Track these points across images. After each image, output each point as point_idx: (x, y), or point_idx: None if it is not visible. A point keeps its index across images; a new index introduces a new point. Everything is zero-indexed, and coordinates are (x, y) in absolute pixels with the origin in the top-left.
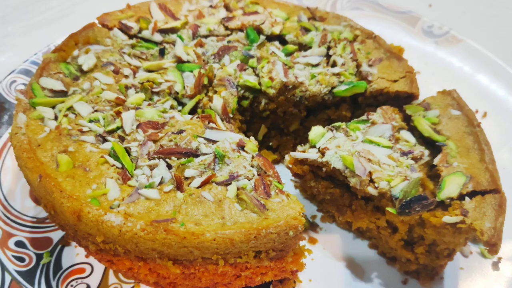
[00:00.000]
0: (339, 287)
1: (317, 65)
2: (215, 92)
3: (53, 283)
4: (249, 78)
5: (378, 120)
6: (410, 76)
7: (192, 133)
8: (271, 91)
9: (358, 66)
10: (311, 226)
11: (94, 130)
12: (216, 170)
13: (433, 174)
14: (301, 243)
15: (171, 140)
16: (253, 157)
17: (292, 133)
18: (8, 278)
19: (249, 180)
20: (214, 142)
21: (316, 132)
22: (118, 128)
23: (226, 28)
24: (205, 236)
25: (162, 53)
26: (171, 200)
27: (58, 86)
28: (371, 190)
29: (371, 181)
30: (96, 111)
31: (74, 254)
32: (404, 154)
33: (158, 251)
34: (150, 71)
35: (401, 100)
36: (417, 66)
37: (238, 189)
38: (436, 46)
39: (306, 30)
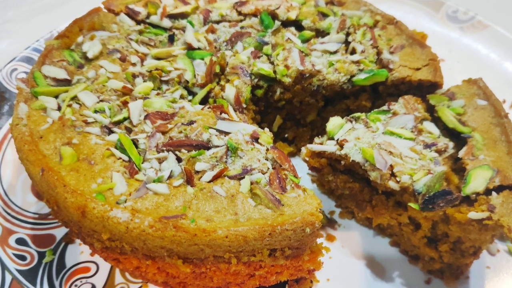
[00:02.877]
0: (358, 287)
1: (335, 52)
2: (228, 81)
3: (56, 283)
4: (264, 66)
5: (400, 111)
6: (434, 64)
7: (203, 124)
8: (287, 80)
9: (378, 53)
10: (329, 222)
11: (99, 121)
12: (228, 163)
13: (458, 168)
14: (319, 240)
15: (181, 132)
16: (267, 149)
17: (309, 124)
18: (8, 278)
19: (264, 174)
20: (227, 133)
21: (334, 123)
22: (125, 119)
23: (239, 13)
24: (217, 233)
25: (171, 39)
26: (181, 195)
27: (62, 74)
28: (392, 184)
29: (393, 175)
30: (101, 101)
31: (78, 252)
32: (427, 146)
33: (167, 249)
34: (158, 58)
35: (424, 89)
36: (441, 53)
37: (251, 183)
38: (461, 32)
39: (324, 15)
